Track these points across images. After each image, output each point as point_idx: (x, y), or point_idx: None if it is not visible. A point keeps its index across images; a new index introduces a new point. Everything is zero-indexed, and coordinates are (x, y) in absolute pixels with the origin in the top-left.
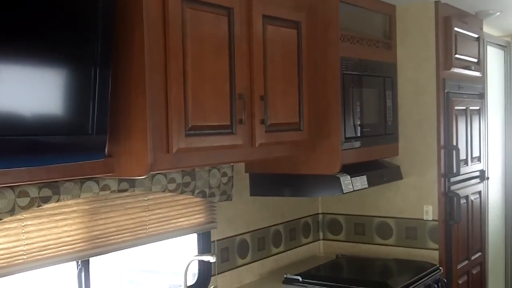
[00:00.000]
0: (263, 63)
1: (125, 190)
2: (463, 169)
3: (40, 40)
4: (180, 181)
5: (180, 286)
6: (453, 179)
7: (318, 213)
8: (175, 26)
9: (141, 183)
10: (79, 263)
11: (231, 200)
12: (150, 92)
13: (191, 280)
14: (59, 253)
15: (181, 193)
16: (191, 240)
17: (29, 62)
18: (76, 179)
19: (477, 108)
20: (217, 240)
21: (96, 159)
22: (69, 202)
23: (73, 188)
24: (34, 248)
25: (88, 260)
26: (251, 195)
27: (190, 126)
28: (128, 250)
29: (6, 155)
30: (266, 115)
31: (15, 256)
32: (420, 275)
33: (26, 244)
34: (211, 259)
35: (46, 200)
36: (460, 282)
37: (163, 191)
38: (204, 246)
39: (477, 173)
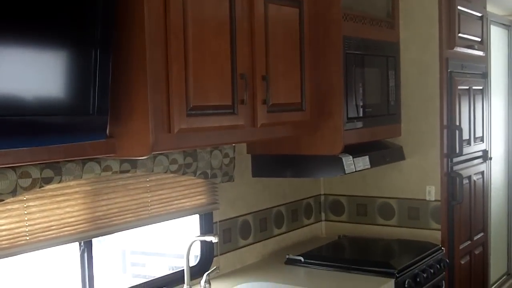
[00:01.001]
0: (265, 42)
1: (127, 171)
2: (466, 149)
3: (41, 21)
4: (182, 162)
5: (183, 267)
6: (455, 159)
7: (320, 194)
8: (175, 6)
9: (143, 164)
10: (82, 244)
11: (233, 181)
12: (151, 72)
13: (193, 262)
14: (61, 234)
15: (183, 174)
16: (193, 222)
17: (30, 43)
18: (77, 159)
19: (480, 88)
20: (219, 221)
21: (97, 139)
22: (71, 183)
23: (75, 169)
24: (36, 229)
25: (91, 241)
26: (253, 176)
27: (191, 106)
28: (131, 232)
29: (7, 136)
30: (268, 95)
31: (18, 237)
32: (422, 255)
33: (29, 225)
34: (214, 239)
35: (48, 181)
36: (462, 262)
37: (165, 172)
38: (206, 227)
39: (480, 153)
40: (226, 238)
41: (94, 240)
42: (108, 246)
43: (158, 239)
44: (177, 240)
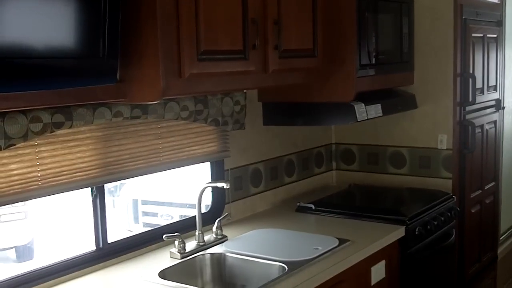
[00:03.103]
0: None
1: (138, 117)
2: (479, 98)
3: None
4: (193, 108)
5: (194, 215)
6: (468, 108)
7: (331, 143)
8: None
9: (154, 110)
10: (94, 189)
11: (244, 129)
12: (161, 16)
13: (205, 210)
14: (73, 179)
15: (194, 121)
16: (205, 173)
17: None
18: (88, 104)
19: (495, 36)
20: (230, 169)
21: (107, 83)
22: (82, 128)
23: (86, 114)
24: (48, 174)
25: (103, 186)
26: (264, 125)
27: (202, 50)
28: (143, 182)
29: (17, 79)
30: (280, 40)
31: (30, 181)
32: (433, 203)
33: (41, 170)
34: (225, 185)
35: (59, 125)
36: (473, 211)
37: (176, 119)
38: (218, 174)
39: (493, 102)
40: (237, 186)
41: (106, 192)
42: (121, 196)
43: (170, 189)
44: (188, 190)
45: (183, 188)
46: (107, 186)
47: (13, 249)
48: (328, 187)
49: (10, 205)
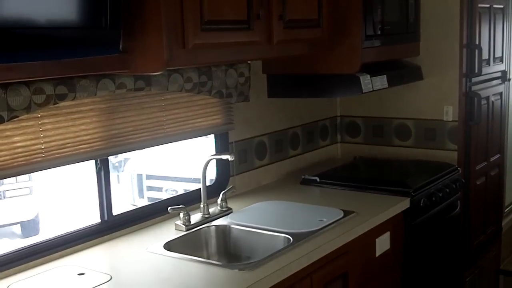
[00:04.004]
0: None
1: (142, 89)
2: (485, 70)
3: None
4: (197, 80)
5: (199, 187)
6: (474, 80)
7: (336, 116)
8: None
9: (158, 81)
10: (98, 162)
11: (248, 101)
12: None
13: (210, 183)
14: (77, 151)
15: (198, 93)
16: (209, 147)
17: None
18: (91, 76)
19: (501, 7)
20: (235, 142)
21: (110, 54)
22: (86, 100)
23: (89, 86)
24: (52, 146)
25: (107, 159)
26: (268, 97)
27: (206, 20)
28: (147, 157)
29: (19, 49)
30: (284, 10)
31: (34, 154)
32: (438, 175)
33: (44, 142)
34: (230, 157)
35: (62, 97)
36: (478, 183)
37: (180, 91)
38: (222, 147)
39: (499, 74)
40: (242, 159)
41: (111, 167)
42: (125, 172)
43: (174, 164)
44: (192, 165)
45: (188, 162)
46: (112, 162)
47: (19, 224)
48: (333, 160)
49: (15, 181)
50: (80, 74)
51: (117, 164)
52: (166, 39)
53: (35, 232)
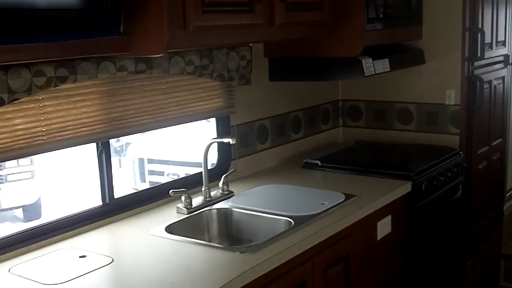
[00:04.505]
0: None
1: (143, 72)
2: (487, 53)
3: None
4: (198, 63)
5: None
6: (476, 63)
7: (338, 100)
8: None
9: (159, 64)
10: (100, 145)
11: (250, 84)
12: None
13: (212, 167)
14: (78, 134)
15: (199, 76)
16: (211, 132)
17: None
18: (92, 58)
19: None
20: (236, 125)
21: (111, 35)
22: (87, 83)
23: (90, 68)
24: (53, 129)
25: (109, 142)
26: (270, 80)
27: (207, 2)
28: (149, 142)
29: (19, 31)
30: None
31: (35, 136)
32: (440, 159)
33: (45, 125)
34: (231, 141)
35: (63, 80)
36: (480, 167)
37: (181, 74)
38: (224, 131)
39: (501, 58)
40: (243, 142)
41: (112, 152)
42: (127, 156)
43: (176, 148)
44: (194, 149)
45: (190, 147)
46: (113, 146)
47: (21, 208)
48: (335, 144)
49: (16, 165)
50: (81, 56)
51: (118, 149)
52: (167, 21)
53: (37, 216)
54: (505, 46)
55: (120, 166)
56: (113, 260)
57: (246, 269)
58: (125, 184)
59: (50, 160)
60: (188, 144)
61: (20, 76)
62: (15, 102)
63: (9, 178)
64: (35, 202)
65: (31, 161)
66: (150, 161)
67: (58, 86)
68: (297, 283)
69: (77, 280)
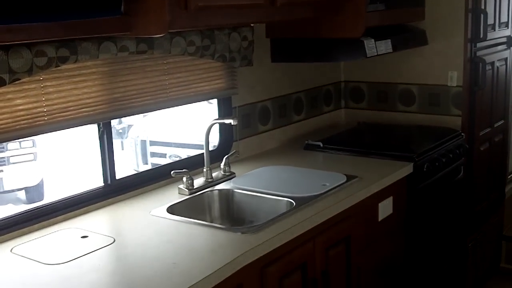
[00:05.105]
0: None
1: (144, 52)
2: (490, 35)
3: None
4: (200, 44)
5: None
6: (479, 45)
7: (340, 81)
8: None
9: (160, 44)
10: (101, 125)
11: (252, 65)
12: None
13: (213, 149)
14: (79, 114)
15: (201, 56)
16: (213, 114)
17: None
18: (93, 38)
19: None
20: (238, 107)
21: (112, 15)
22: (88, 63)
23: (91, 48)
24: (54, 110)
25: (110, 123)
26: (272, 62)
27: None
28: (151, 124)
29: (19, 10)
30: None
31: (36, 117)
32: (442, 140)
33: (46, 105)
34: (233, 121)
35: (64, 60)
36: (482, 148)
37: (183, 54)
38: (225, 112)
39: (504, 39)
40: (245, 123)
41: (114, 134)
42: (129, 138)
43: (178, 131)
44: (196, 132)
45: (192, 129)
46: (116, 128)
47: (23, 190)
48: (337, 126)
49: (19, 147)
50: (82, 36)
51: (120, 131)
52: (168, 1)
53: (40, 197)
54: (508, 28)
55: (123, 149)
56: (114, 241)
57: (248, 249)
58: (127, 166)
59: (52, 143)
60: (190, 126)
61: (21, 56)
62: (16, 82)
63: (12, 160)
64: (38, 184)
65: (33, 143)
66: (152, 143)
67: (59, 66)
68: (299, 263)
69: (79, 260)
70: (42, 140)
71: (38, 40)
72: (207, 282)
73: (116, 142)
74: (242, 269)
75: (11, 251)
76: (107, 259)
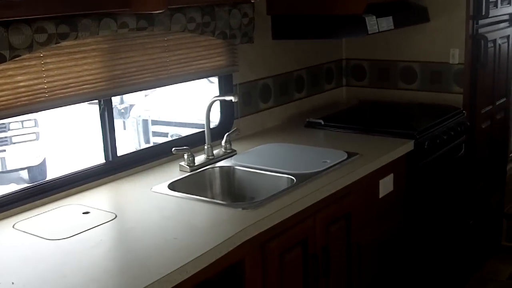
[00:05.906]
0: None
1: (144, 29)
2: (492, 12)
3: None
4: (200, 20)
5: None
6: (481, 22)
7: (341, 59)
8: None
9: (160, 21)
10: (102, 102)
11: (253, 42)
12: None
13: (214, 126)
14: (80, 91)
15: (201, 33)
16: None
17: None
18: (93, 14)
19: None
20: (239, 84)
21: None
22: (88, 40)
23: (91, 25)
24: (55, 86)
25: (111, 100)
26: (273, 39)
27: None
28: (152, 103)
29: None
30: None
31: (37, 94)
32: (443, 118)
33: (47, 82)
34: (233, 98)
35: (64, 36)
36: (483, 126)
37: (183, 31)
38: (226, 89)
39: (507, 17)
40: (246, 101)
41: (116, 113)
42: (131, 117)
43: (180, 110)
44: (198, 111)
45: (193, 108)
46: (117, 108)
47: (26, 170)
48: (338, 103)
49: (21, 126)
50: (82, 12)
51: (122, 111)
52: None
53: (42, 177)
54: (510, 5)
55: (124, 128)
56: (116, 216)
57: (248, 224)
58: (130, 145)
59: (54, 122)
60: (192, 106)
61: (21, 32)
62: (17, 59)
63: (14, 139)
64: (40, 163)
65: (36, 122)
66: (154, 122)
67: (59, 43)
68: (299, 239)
69: (81, 236)
70: (44, 119)
71: (38, 16)
72: (208, 256)
73: (118, 122)
74: (243, 245)
75: (13, 227)
76: (109, 234)
